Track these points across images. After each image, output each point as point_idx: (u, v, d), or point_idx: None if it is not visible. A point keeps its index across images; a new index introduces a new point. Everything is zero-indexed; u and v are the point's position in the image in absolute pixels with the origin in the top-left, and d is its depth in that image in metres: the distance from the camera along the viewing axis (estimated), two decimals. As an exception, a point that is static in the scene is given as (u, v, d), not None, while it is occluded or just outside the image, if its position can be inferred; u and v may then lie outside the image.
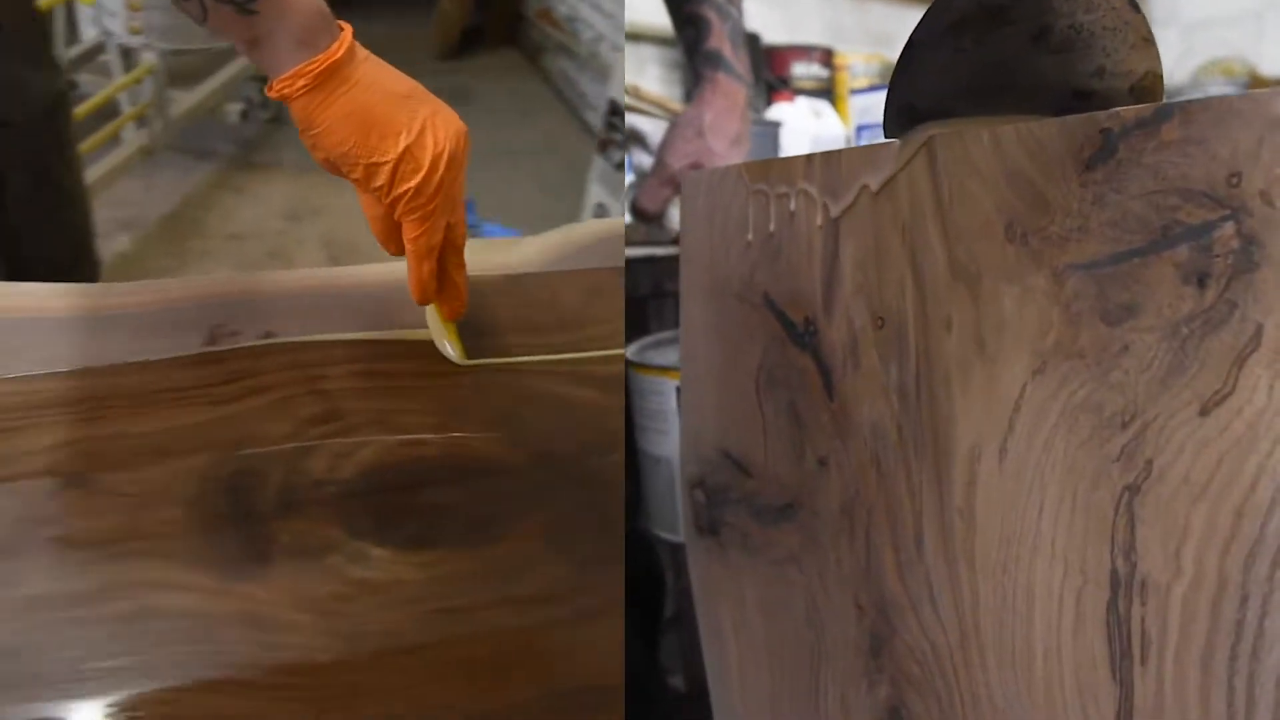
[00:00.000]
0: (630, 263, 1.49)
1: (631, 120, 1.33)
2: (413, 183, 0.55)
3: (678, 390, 0.93)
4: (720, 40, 1.03)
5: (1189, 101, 0.35)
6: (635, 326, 1.15)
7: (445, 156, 0.56)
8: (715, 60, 1.02)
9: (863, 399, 0.53)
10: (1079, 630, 0.42)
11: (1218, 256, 0.35)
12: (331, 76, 0.53)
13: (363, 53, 0.56)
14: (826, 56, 2.51)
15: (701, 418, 0.69)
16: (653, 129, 1.24)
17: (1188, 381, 0.36)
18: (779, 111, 1.83)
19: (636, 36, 2.38)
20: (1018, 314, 0.43)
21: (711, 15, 1.02)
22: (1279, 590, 0.34)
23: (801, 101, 1.87)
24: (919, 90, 0.50)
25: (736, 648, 0.68)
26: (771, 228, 0.59)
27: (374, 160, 0.55)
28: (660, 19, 1.13)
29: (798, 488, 0.59)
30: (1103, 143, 0.38)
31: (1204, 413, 0.36)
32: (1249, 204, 0.34)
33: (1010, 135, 0.42)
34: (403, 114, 0.55)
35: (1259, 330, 0.34)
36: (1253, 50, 2.54)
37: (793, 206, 0.57)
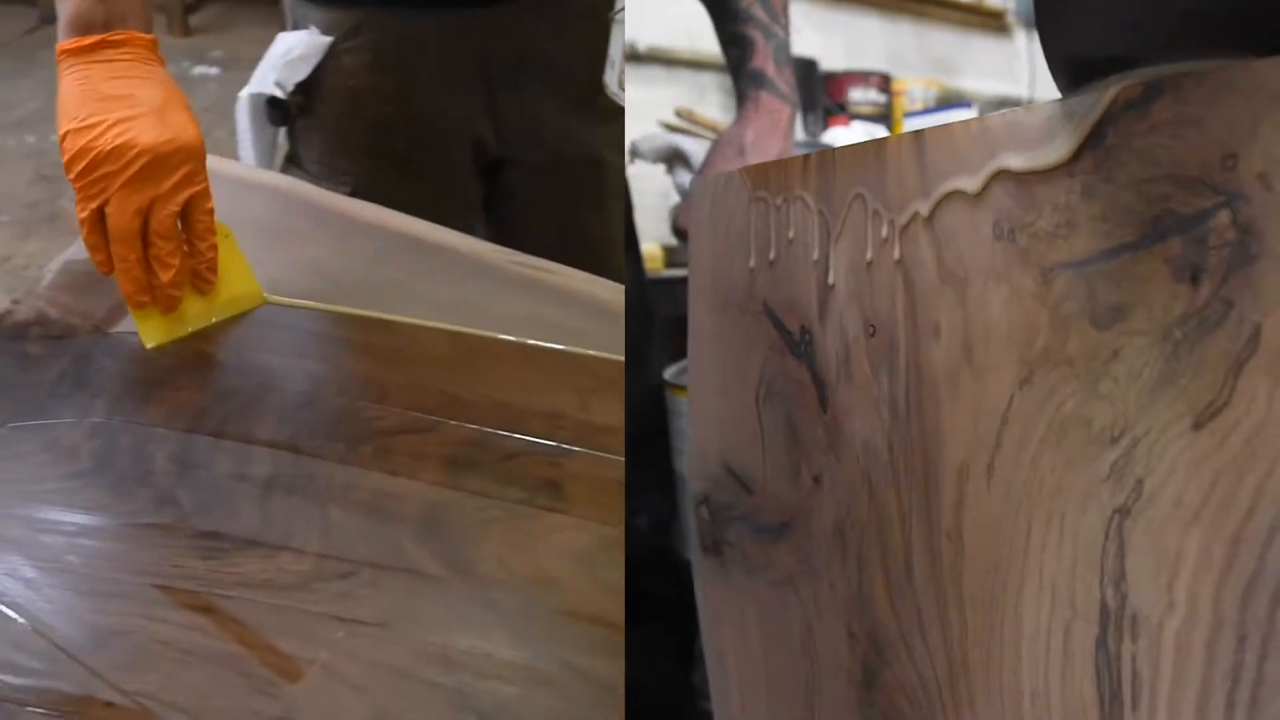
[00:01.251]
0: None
1: (676, 140, 1.31)
2: (64, 159, 0.63)
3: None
4: (764, 60, 1.01)
5: (1182, 75, 0.31)
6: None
7: (94, 153, 0.61)
8: (759, 80, 1.01)
9: (855, 412, 0.49)
10: (1068, 669, 0.38)
11: (1212, 249, 0.31)
12: (62, 60, 0.65)
13: (114, 55, 0.65)
14: (884, 82, 2.47)
15: (707, 432, 0.66)
16: (697, 149, 1.22)
17: (1180, 392, 0.32)
18: (833, 136, 1.80)
19: (698, 64, 2.37)
20: (1005, 318, 0.39)
21: (756, 35, 1.01)
22: (1280, 630, 0.30)
23: (857, 126, 1.83)
24: (1086, 32, 0.35)
25: (737, 673, 0.65)
26: (771, 234, 0.56)
27: (57, 130, 0.64)
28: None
29: (795, 506, 0.56)
30: (1090, 127, 0.35)
31: (1198, 426, 0.32)
32: (1246, 189, 0.30)
33: (996, 123, 0.39)
34: (87, 108, 0.62)
35: (1257, 332, 0.30)
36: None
37: (791, 212, 0.54)
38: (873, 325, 0.47)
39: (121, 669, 0.47)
